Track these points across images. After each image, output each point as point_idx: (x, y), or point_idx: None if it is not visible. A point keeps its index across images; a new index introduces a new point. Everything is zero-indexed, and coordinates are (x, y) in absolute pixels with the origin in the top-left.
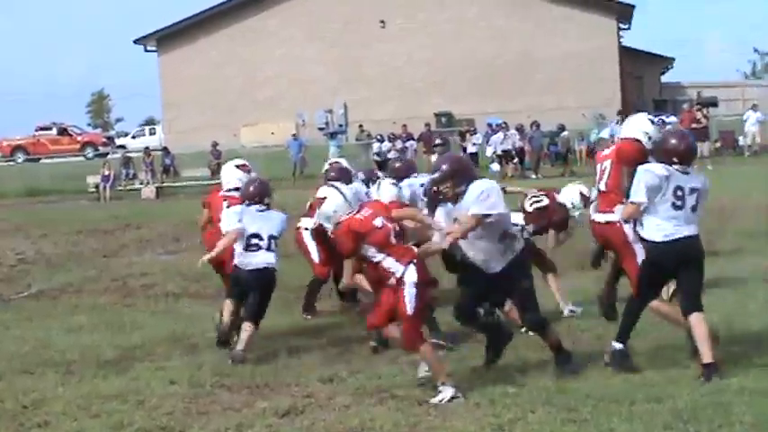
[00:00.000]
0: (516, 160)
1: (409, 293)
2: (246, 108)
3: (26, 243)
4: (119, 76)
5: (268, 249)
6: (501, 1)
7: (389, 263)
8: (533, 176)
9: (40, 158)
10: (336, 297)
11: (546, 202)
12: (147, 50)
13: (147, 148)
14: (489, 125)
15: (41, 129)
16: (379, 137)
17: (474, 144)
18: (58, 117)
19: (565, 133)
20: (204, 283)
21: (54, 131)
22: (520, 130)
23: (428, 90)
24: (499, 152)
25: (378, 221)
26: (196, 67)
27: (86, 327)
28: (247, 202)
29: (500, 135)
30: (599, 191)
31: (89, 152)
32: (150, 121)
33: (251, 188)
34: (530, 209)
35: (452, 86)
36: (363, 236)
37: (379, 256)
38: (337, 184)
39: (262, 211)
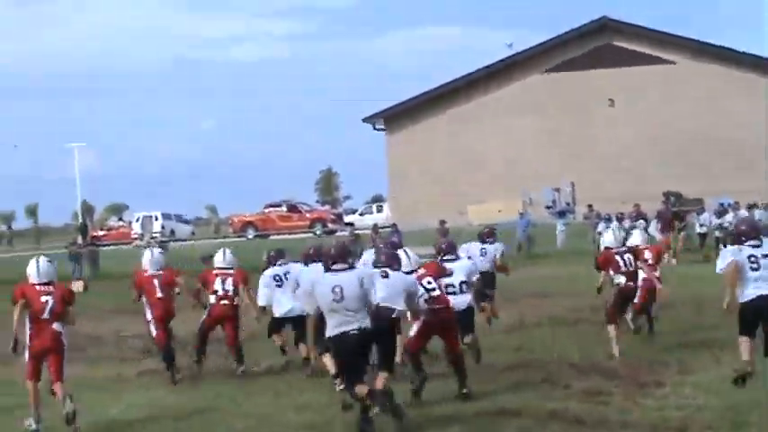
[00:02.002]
0: None
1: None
2: (471, 186)
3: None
4: (347, 154)
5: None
6: (730, 79)
7: None
8: None
9: (269, 235)
10: None
11: None
12: (375, 129)
13: (375, 225)
14: (721, 204)
15: (271, 206)
16: (606, 215)
17: (702, 225)
18: (288, 194)
19: None
20: None
21: (284, 208)
22: (752, 208)
23: (656, 169)
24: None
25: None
26: (422, 146)
27: (315, 404)
28: None
29: (730, 215)
30: None
31: (318, 229)
32: (378, 199)
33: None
34: None
35: (681, 165)
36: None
37: None
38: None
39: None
